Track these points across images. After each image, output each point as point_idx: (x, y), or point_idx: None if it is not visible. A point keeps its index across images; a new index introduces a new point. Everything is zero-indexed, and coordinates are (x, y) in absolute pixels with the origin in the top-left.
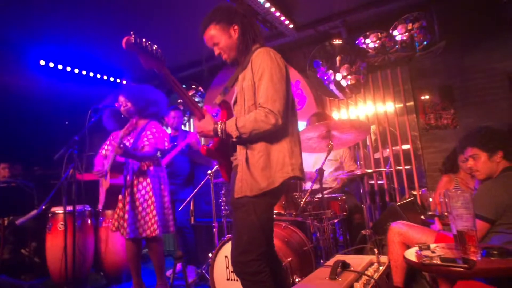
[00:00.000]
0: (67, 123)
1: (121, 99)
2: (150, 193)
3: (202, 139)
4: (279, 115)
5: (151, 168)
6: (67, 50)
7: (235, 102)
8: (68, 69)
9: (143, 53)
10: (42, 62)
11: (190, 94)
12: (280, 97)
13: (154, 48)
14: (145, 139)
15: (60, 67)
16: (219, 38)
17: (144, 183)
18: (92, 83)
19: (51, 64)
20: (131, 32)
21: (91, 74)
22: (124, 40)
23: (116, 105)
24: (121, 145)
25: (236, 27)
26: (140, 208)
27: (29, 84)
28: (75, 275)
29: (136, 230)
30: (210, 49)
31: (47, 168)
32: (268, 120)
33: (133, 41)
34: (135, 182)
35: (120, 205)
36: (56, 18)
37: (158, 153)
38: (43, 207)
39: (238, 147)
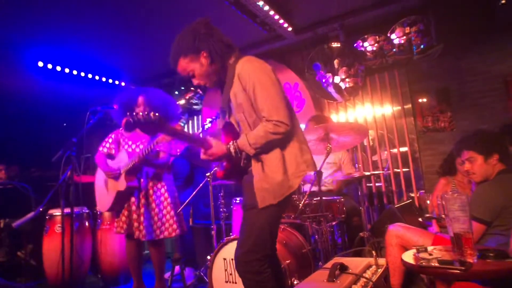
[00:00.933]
0: (65, 124)
1: (140, 100)
2: (166, 195)
3: None
4: (286, 121)
5: (165, 172)
6: (65, 51)
7: (236, 120)
8: (66, 70)
9: (145, 126)
10: (40, 64)
11: (189, 96)
12: (280, 102)
13: (152, 116)
14: (160, 145)
15: (58, 68)
16: (191, 69)
17: (159, 185)
18: (90, 84)
19: (49, 66)
20: (127, 113)
21: (89, 75)
22: (123, 122)
23: (115, 107)
24: (145, 155)
25: (205, 54)
26: (156, 210)
27: (27, 86)
28: (72, 277)
29: (153, 232)
30: None
31: (45, 170)
32: (278, 131)
33: (132, 121)
34: (150, 184)
35: (133, 207)
36: (54, 20)
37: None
38: (41, 209)
39: (253, 158)
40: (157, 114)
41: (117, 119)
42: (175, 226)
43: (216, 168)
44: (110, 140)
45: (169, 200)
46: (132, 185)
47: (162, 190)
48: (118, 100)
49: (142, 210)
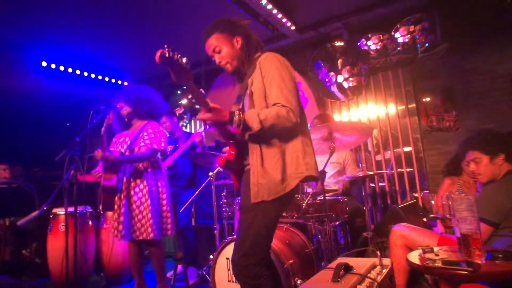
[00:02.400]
0: (68, 124)
1: (121, 103)
2: (146, 196)
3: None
4: (297, 114)
5: (149, 170)
6: (68, 51)
7: (243, 107)
8: (70, 70)
9: (175, 67)
10: (44, 64)
11: (190, 96)
12: (294, 96)
13: (185, 61)
14: (141, 140)
15: (61, 68)
16: (221, 46)
17: (141, 186)
18: (93, 84)
19: (53, 66)
20: (165, 46)
21: (92, 75)
22: (158, 54)
23: (118, 107)
24: (106, 154)
25: (239, 38)
26: (136, 211)
27: (31, 85)
28: (76, 276)
29: (132, 232)
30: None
31: (48, 169)
32: (289, 118)
33: (167, 55)
34: (132, 184)
35: (115, 207)
36: (57, 20)
37: (159, 155)
38: (45, 208)
39: (252, 150)
40: (188, 62)
41: (116, 129)
42: (149, 229)
43: (219, 167)
44: (111, 143)
45: (149, 201)
46: (107, 184)
47: (144, 191)
48: (107, 108)
49: (123, 209)
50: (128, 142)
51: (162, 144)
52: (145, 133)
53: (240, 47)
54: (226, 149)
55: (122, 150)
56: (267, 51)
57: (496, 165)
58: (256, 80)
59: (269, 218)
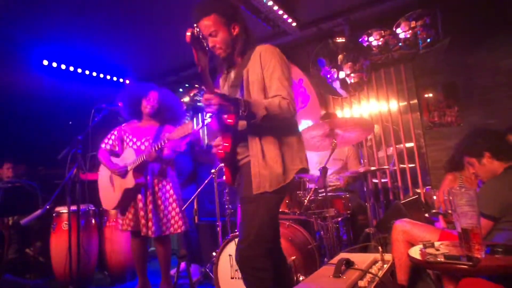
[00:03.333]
0: (70, 122)
1: (152, 95)
2: (171, 192)
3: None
4: (295, 107)
5: (169, 169)
6: (70, 50)
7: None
8: (71, 68)
9: (200, 47)
10: (45, 62)
11: (193, 93)
12: (292, 89)
13: (206, 44)
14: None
15: (63, 66)
16: (217, 30)
17: (164, 182)
18: (95, 82)
19: (54, 64)
20: (194, 25)
21: (94, 73)
22: (188, 32)
23: (120, 105)
24: (157, 150)
25: (236, 26)
26: (162, 207)
27: (33, 84)
28: (79, 274)
29: (160, 228)
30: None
31: (51, 168)
32: (290, 110)
33: (196, 34)
34: (156, 181)
35: (140, 204)
36: (59, 18)
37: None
38: (48, 206)
39: (252, 142)
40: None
41: (124, 111)
42: (180, 222)
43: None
44: (113, 137)
45: (174, 196)
46: (140, 182)
47: (168, 187)
48: (128, 92)
49: (150, 207)
50: (146, 144)
51: (181, 147)
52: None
53: (236, 35)
54: (217, 141)
55: (143, 147)
56: (262, 44)
57: (485, 165)
58: (254, 71)
59: (271, 207)
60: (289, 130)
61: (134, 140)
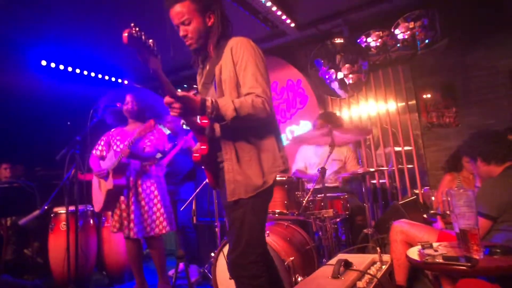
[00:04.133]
0: (68, 123)
1: (128, 98)
2: (155, 192)
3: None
4: (271, 104)
5: (153, 168)
6: (68, 50)
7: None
8: (70, 69)
9: (143, 49)
10: (44, 63)
11: (192, 93)
12: (269, 86)
13: (151, 42)
14: (147, 140)
15: (61, 67)
16: (190, 18)
17: (148, 183)
18: (93, 83)
19: (53, 65)
20: (131, 24)
21: (92, 74)
22: (125, 33)
23: (118, 105)
24: (130, 147)
25: (212, 15)
26: (146, 208)
27: (31, 85)
28: (78, 275)
29: (143, 229)
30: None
31: (49, 168)
32: (265, 108)
33: (134, 35)
34: (139, 182)
35: (123, 206)
36: (57, 19)
37: (158, 154)
38: (46, 207)
39: (225, 146)
40: (154, 43)
41: (108, 119)
42: (165, 223)
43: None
44: (102, 143)
45: (159, 197)
46: (119, 183)
47: (152, 188)
48: (107, 100)
49: (132, 208)
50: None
51: (165, 145)
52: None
53: (211, 24)
54: (197, 146)
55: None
56: (235, 37)
57: (480, 167)
58: (227, 68)
59: (258, 211)
60: (266, 130)
61: (118, 143)
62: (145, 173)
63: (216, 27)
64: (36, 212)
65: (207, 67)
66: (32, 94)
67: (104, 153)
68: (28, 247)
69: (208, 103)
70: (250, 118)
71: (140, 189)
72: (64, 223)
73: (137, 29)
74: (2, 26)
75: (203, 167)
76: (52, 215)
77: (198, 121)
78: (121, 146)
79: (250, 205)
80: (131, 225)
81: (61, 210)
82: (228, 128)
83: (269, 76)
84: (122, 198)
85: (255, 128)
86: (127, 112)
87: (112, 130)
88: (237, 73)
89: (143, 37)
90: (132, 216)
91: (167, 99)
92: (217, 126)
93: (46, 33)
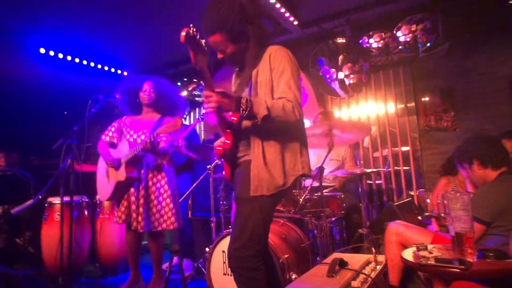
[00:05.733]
0: (66, 113)
1: (146, 86)
2: (166, 187)
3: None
4: (301, 111)
5: (165, 163)
6: (68, 39)
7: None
8: (69, 58)
9: (196, 47)
10: (42, 51)
11: (191, 87)
12: (300, 93)
13: (204, 43)
14: (162, 135)
15: (60, 56)
16: (224, 47)
17: (159, 177)
18: (92, 73)
19: (51, 53)
20: (191, 25)
21: (92, 64)
22: (183, 32)
23: (117, 97)
24: (151, 142)
25: (244, 41)
26: (155, 202)
27: (28, 73)
28: (70, 265)
29: (151, 223)
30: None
31: (45, 158)
32: (294, 113)
33: (191, 34)
34: (150, 175)
35: (133, 198)
36: (57, 6)
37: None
38: (40, 196)
39: (254, 143)
40: (207, 44)
41: (122, 106)
42: (173, 219)
43: (217, 160)
44: (113, 129)
45: (169, 192)
46: (131, 176)
47: (162, 182)
48: (123, 86)
49: (141, 201)
50: (142, 137)
51: (179, 141)
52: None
53: (245, 46)
54: (219, 142)
55: (139, 140)
56: (274, 45)
57: (476, 171)
58: (263, 72)
59: (266, 211)
60: (293, 134)
61: (131, 133)
62: (158, 168)
63: (251, 46)
64: (30, 202)
65: (245, 70)
66: (29, 82)
67: (115, 140)
68: (20, 236)
69: (243, 101)
70: (279, 120)
71: (150, 183)
72: (58, 213)
73: (194, 29)
74: (0, 12)
75: (223, 160)
76: (46, 205)
77: (229, 117)
78: (135, 136)
79: (260, 203)
80: (139, 218)
81: (56, 200)
82: (258, 127)
83: (301, 85)
84: (132, 190)
85: (283, 130)
86: (145, 100)
87: (125, 117)
88: (273, 79)
89: (197, 36)
90: (141, 210)
91: (206, 92)
92: (244, 124)
93: (45, 20)
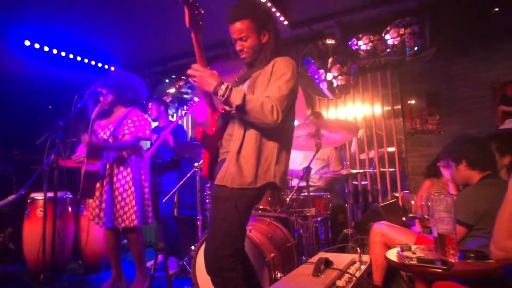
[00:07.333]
0: (50, 107)
1: (99, 85)
2: (130, 183)
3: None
4: (281, 116)
5: (132, 157)
6: (54, 32)
7: None
8: (55, 51)
9: (193, 10)
10: (27, 43)
11: (179, 84)
12: (288, 102)
13: (202, 10)
14: (126, 127)
15: (46, 49)
16: (248, 35)
17: (124, 173)
18: (78, 67)
19: (37, 46)
20: None
21: (78, 58)
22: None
23: (104, 92)
24: (91, 139)
25: (267, 34)
26: (119, 198)
27: (12, 65)
28: (53, 263)
29: (114, 220)
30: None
31: (28, 152)
32: (271, 114)
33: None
34: (115, 171)
35: (97, 193)
36: None
37: (140, 142)
38: (22, 192)
39: (234, 140)
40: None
41: (90, 112)
42: (133, 216)
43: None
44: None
45: (133, 189)
46: (90, 169)
47: (128, 178)
48: (92, 92)
49: (105, 196)
50: (112, 129)
51: (147, 132)
52: (129, 121)
53: (265, 42)
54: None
55: (105, 137)
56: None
57: (461, 171)
58: (265, 76)
59: (241, 207)
60: (275, 139)
61: (99, 131)
62: (123, 162)
63: (269, 44)
64: (12, 197)
65: (252, 71)
66: (13, 75)
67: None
68: (0, 232)
69: (223, 87)
70: (255, 116)
71: (115, 178)
72: (41, 209)
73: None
74: None
75: (203, 147)
76: (28, 201)
77: (220, 107)
78: (101, 133)
79: (233, 200)
80: (101, 214)
81: (39, 196)
82: (243, 123)
83: (295, 95)
84: (97, 185)
85: (266, 135)
86: (107, 103)
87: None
88: (270, 81)
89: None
90: (103, 205)
91: (195, 65)
92: (236, 120)
93: (31, 12)
